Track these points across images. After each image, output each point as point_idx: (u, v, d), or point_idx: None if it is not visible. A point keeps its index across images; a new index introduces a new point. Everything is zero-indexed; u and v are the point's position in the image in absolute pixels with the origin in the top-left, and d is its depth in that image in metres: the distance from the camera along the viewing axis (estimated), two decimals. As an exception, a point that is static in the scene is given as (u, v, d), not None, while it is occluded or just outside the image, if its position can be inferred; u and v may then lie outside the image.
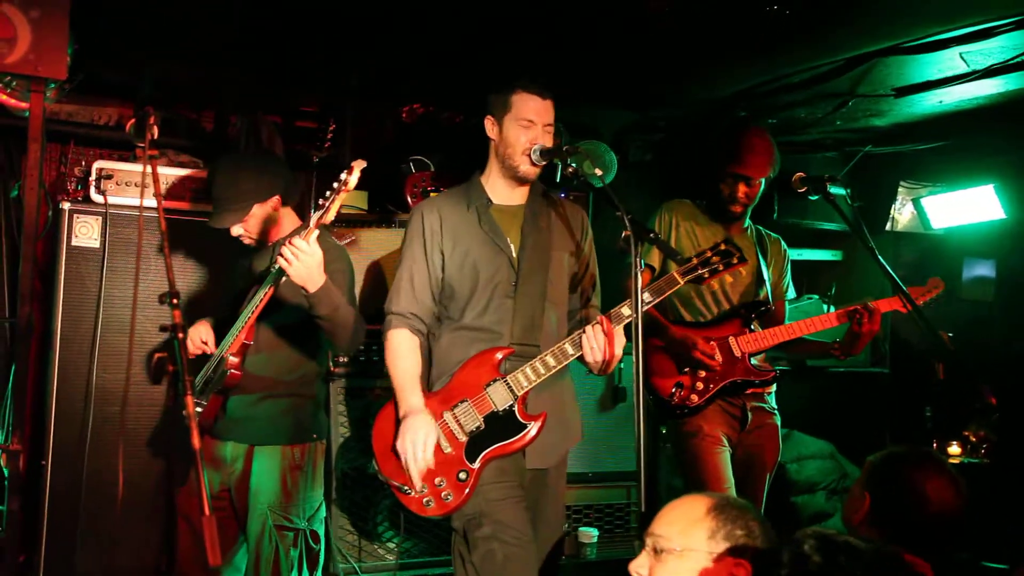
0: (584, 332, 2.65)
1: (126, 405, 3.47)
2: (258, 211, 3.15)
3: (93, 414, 3.50)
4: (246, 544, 3.15)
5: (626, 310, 2.67)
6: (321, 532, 3.33)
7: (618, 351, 2.69)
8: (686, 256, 2.78)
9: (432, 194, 4.09)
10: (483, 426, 2.67)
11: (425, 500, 2.66)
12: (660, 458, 4.18)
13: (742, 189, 3.48)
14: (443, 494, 2.65)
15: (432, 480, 2.66)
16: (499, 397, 2.69)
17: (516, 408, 2.69)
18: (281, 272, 2.80)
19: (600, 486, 4.21)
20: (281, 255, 2.75)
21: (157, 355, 3.57)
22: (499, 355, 2.72)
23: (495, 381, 2.70)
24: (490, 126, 2.85)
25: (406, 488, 2.66)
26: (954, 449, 4.67)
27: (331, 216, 2.75)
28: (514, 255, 2.81)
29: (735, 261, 2.72)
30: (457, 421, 2.69)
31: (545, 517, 2.83)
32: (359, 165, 2.70)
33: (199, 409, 3.01)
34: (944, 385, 3.02)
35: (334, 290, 2.88)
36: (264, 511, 3.10)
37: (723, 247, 2.74)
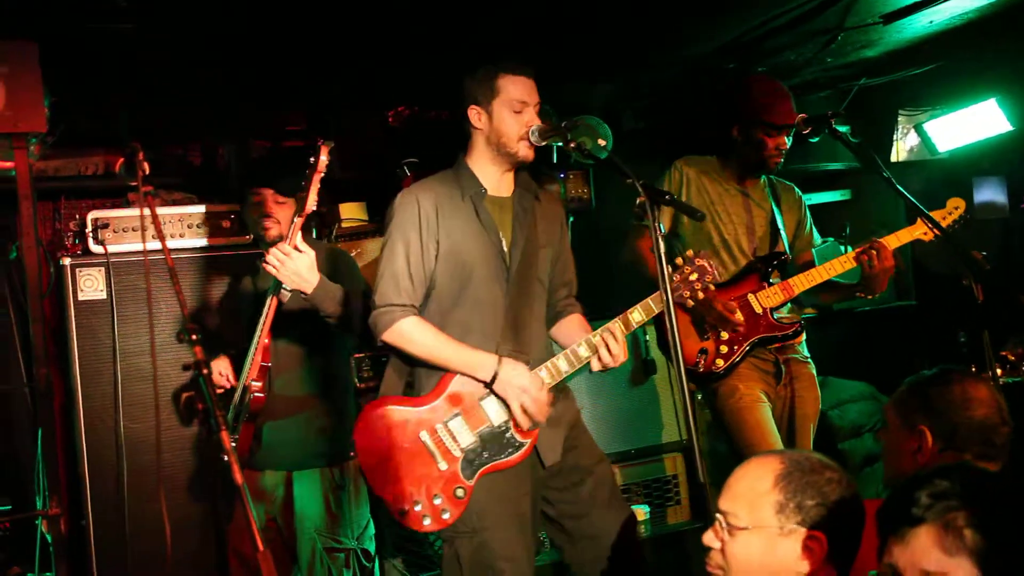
0: (598, 350, 2.64)
1: (160, 452, 3.41)
2: (288, 208, 3.10)
3: (127, 466, 3.44)
4: (298, 571, 3.11)
5: (628, 319, 2.64)
6: (372, 549, 3.29)
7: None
8: (702, 212, 2.66)
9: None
10: (477, 442, 2.56)
11: (423, 517, 2.53)
12: (700, 424, 4.12)
13: (783, 140, 3.38)
14: (441, 511, 2.53)
15: (429, 497, 2.53)
16: (494, 411, 2.58)
17: (511, 423, 2.57)
18: (277, 281, 2.74)
19: (643, 462, 4.14)
20: (266, 262, 2.70)
21: (185, 395, 3.51)
22: None
23: (489, 395, 2.58)
24: (475, 116, 2.66)
25: (405, 509, 2.53)
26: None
27: (311, 203, 2.70)
28: (506, 250, 2.67)
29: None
30: (452, 436, 2.56)
31: (585, 462, 2.74)
32: (327, 145, 2.65)
33: (233, 444, 2.95)
34: (983, 307, 2.92)
35: (332, 285, 2.81)
36: (312, 535, 3.09)
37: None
